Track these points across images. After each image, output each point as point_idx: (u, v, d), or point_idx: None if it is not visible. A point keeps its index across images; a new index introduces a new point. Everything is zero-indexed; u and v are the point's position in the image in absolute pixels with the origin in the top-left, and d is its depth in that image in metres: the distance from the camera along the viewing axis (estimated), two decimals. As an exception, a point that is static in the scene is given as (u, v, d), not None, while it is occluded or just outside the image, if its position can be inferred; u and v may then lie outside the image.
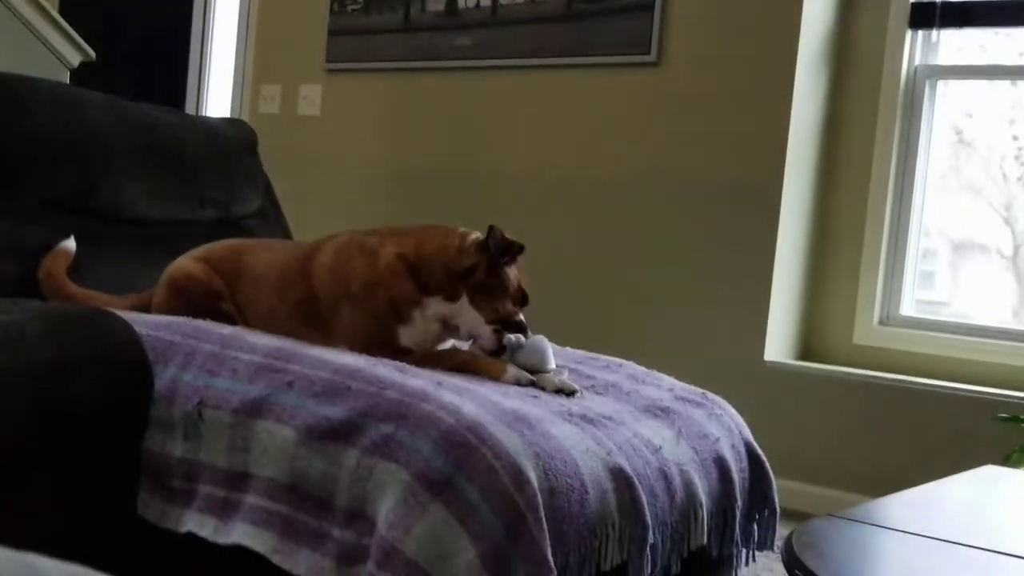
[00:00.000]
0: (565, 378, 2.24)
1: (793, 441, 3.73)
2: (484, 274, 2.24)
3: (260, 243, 2.60)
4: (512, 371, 2.23)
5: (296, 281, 2.39)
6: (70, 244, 2.61)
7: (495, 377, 2.22)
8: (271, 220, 3.28)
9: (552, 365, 2.25)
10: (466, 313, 2.29)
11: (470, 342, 2.31)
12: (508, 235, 2.23)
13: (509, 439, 1.84)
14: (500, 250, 2.23)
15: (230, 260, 2.53)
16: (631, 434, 2.11)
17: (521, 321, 2.26)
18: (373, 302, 2.29)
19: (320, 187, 4.66)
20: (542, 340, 2.29)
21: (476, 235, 2.25)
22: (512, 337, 2.27)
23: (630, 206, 4.05)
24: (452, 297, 2.26)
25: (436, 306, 2.27)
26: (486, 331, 2.29)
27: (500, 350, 2.24)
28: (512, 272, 2.25)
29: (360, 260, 2.30)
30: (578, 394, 2.19)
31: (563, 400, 2.17)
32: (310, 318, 2.35)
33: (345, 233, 2.44)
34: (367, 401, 1.94)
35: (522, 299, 2.27)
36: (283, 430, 1.96)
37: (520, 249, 2.24)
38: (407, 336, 2.27)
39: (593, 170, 4.10)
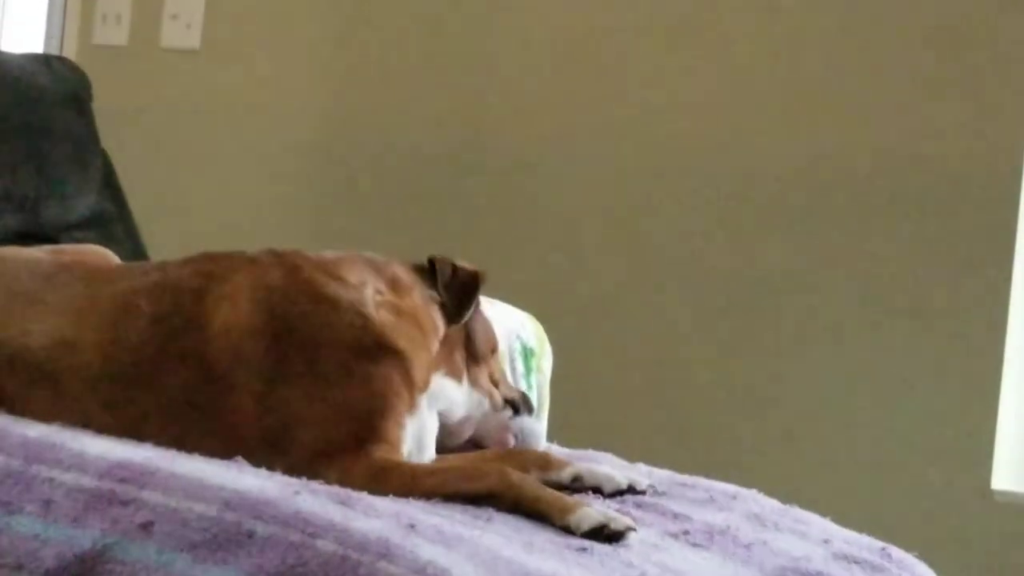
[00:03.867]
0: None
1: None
2: (459, 332, 2.10)
3: (34, 279, 2.05)
4: (590, 511, 1.83)
5: (170, 359, 1.94)
6: None
7: (557, 516, 1.82)
8: (112, 229, 2.85)
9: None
10: (470, 398, 2.07)
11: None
12: (463, 265, 2.12)
13: None
14: (465, 292, 2.06)
15: None
16: None
17: (525, 393, 2.19)
18: (358, 385, 1.92)
19: (198, 170, 4.12)
20: (535, 427, 2.23)
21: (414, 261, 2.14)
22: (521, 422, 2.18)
23: (751, 222, 3.48)
24: (456, 373, 2.06)
25: (444, 389, 2.02)
26: (496, 422, 2.10)
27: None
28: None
29: (331, 315, 1.95)
30: (627, 534, 1.80)
31: (631, 558, 1.75)
32: (206, 419, 1.91)
33: (249, 258, 2.03)
34: (284, 557, 1.53)
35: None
36: None
37: (480, 282, 2.12)
38: (410, 435, 1.99)
39: (680, 158, 3.52)
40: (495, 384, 2.17)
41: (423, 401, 2.03)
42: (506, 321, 2.80)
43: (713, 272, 3.60)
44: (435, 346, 2.06)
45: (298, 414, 1.94)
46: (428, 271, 2.13)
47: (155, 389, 1.95)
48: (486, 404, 2.14)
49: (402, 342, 2.00)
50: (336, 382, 1.96)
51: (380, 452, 1.93)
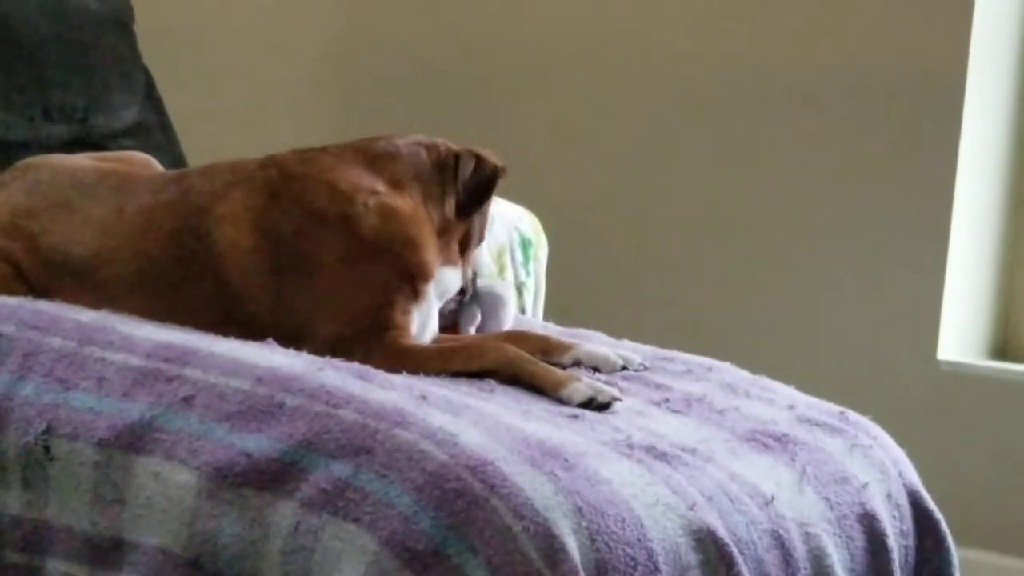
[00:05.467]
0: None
1: (984, 489, 3.36)
2: (459, 223, 2.16)
3: (77, 189, 2.14)
4: (580, 386, 1.97)
5: (190, 272, 2.07)
6: None
7: (551, 390, 1.97)
8: (154, 137, 2.96)
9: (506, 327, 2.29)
10: (463, 282, 2.17)
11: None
12: (487, 157, 2.13)
13: (534, 485, 1.64)
14: (480, 188, 2.11)
15: (26, 226, 2.12)
16: (726, 477, 1.88)
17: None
18: (358, 286, 2.03)
19: (229, 82, 4.17)
20: (500, 292, 2.23)
21: (442, 146, 2.12)
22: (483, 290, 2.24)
23: (727, 118, 3.61)
24: (453, 260, 2.14)
25: (444, 276, 2.11)
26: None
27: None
28: None
29: (322, 230, 2.03)
30: (614, 404, 1.95)
31: (618, 423, 1.90)
32: (229, 323, 2.02)
33: (246, 174, 2.09)
34: (310, 425, 1.71)
35: None
36: (178, 472, 1.74)
37: (499, 177, 2.14)
38: (416, 320, 2.09)
39: (665, 65, 3.63)
40: (470, 269, 2.21)
41: (431, 289, 2.09)
42: (506, 215, 2.87)
43: (690, 169, 3.65)
44: (432, 239, 2.09)
45: (309, 318, 2.03)
46: (451, 160, 2.16)
47: (180, 297, 2.06)
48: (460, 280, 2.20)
49: (396, 244, 2.04)
50: (337, 287, 2.04)
51: (391, 338, 2.03)
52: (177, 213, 2.09)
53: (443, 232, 2.11)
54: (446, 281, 2.14)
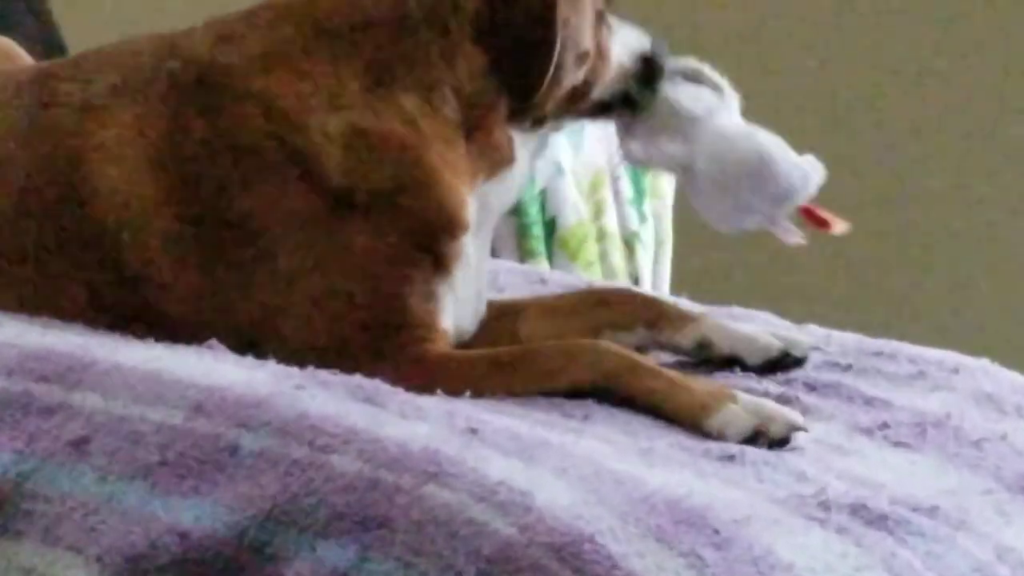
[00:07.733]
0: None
1: None
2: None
3: None
4: (737, 410, 1.49)
5: (63, 245, 1.59)
6: None
7: (689, 420, 1.51)
8: (18, 20, 2.65)
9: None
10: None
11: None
12: None
13: (664, 571, 1.30)
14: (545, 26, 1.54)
15: None
16: (990, 553, 1.46)
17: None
18: (338, 264, 1.55)
19: None
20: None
21: None
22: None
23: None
24: (504, 159, 1.58)
25: (491, 193, 1.61)
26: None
27: None
28: None
29: (267, 172, 1.52)
30: (794, 436, 1.51)
31: (803, 467, 1.48)
32: (137, 323, 1.56)
33: (135, 60, 1.60)
34: (285, 482, 1.34)
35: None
36: (67, 565, 1.38)
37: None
38: (449, 304, 1.60)
39: None
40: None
41: (466, 243, 1.62)
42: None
43: (898, 76, 3.41)
44: (460, 153, 1.58)
45: (264, 321, 1.63)
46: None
47: (55, 288, 1.64)
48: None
49: (403, 189, 1.57)
50: (303, 266, 1.61)
51: (413, 346, 1.60)
52: (34, 142, 1.64)
53: (477, 127, 1.57)
54: (493, 203, 1.66)
